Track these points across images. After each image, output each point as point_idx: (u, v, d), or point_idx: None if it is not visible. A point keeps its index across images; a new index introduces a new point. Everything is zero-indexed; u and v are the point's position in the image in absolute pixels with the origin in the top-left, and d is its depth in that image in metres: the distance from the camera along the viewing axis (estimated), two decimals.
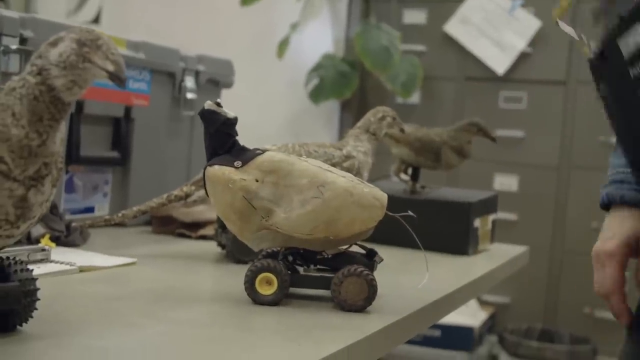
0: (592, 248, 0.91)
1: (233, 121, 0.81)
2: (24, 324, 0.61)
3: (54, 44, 0.57)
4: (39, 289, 0.61)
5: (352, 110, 3.07)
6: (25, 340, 0.59)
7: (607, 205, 0.92)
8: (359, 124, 1.10)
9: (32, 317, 0.61)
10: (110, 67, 0.56)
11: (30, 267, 0.61)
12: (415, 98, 2.92)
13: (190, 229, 1.24)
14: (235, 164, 0.79)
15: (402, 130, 1.11)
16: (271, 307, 0.77)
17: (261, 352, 0.61)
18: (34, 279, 0.61)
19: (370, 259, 0.84)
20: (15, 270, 0.59)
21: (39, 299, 0.61)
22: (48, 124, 0.56)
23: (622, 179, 0.91)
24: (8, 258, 0.60)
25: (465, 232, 1.27)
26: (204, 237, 1.22)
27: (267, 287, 0.79)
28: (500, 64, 2.84)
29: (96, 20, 2.21)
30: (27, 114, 0.55)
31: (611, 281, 0.88)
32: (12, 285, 0.58)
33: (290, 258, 0.83)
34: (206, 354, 0.59)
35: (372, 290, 0.78)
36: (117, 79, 0.56)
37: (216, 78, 1.47)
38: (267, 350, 0.61)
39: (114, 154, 1.28)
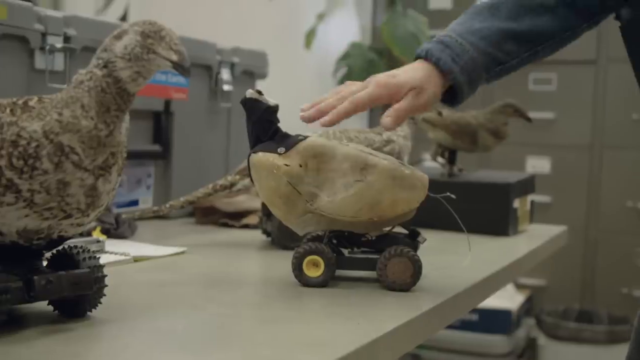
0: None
1: (274, 108, 0.82)
2: (93, 310, 0.64)
3: (119, 37, 0.59)
4: (106, 275, 0.64)
5: None
6: (97, 325, 0.61)
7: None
8: None
9: (100, 303, 0.64)
10: (174, 57, 0.58)
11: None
12: None
13: (233, 218, 1.26)
14: (279, 150, 0.81)
15: (439, 114, 1.12)
16: (320, 289, 0.79)
17: (325, 330, 0.63)
18: (101, 266, 0.63)
19: (413, 240, 0.85)
20: (84, 258, 0.62)
21: (106, 285, 0.64)
22: (115, 115, 0.58)
23: (448, 43, 0.85)
24: (76, 247, 0.62)
25: (505, 213, 1.28)
26: (247, 226, 1.25)
27: (314, 269, 0.81)
28: None
29: (124, 17, 2.24)
30: (95, 105, 0.57)
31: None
32: (84, 272, 0.60)
33: (335, 241, 0.85)
34: (273, 332, 0.61)
35: (417, 267, 0.80)
36: (181, 68, 0.58)
37: (251, 69, 1.49)
38: (330, 328, 0.63)
39: (156, 148, 1.31)
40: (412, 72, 0.85)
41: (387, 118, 0.81)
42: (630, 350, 1.02)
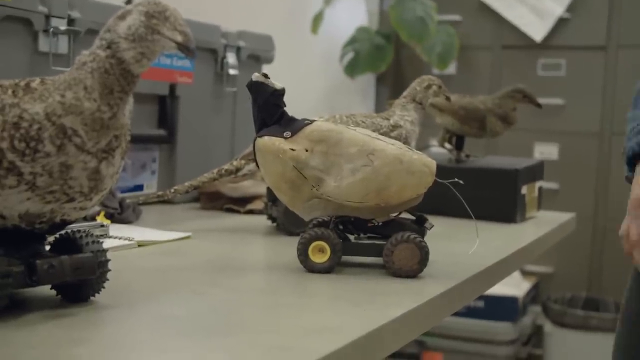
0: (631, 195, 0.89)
1: (281, 92, 0.81)
2: (96, 295, 0.63)
3: (122, 17, 0.57)
4: (110, 260, 0.63)
5: (388, 83, 3.06)
6: (100, 310, 0.60)
7: (637, 156, 0.90)
8: (405, 93, 1.10)
9: (104, 287, 0.63)
10: (179, 38, 0.57)
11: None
12: (451, 69, 2.89)
13: (238, 203, 1.25)
14: (285, 134, 0.80)
15: (448, 99, 1.11)
16: (326, 275, 0.78)
17: (331, 316, 0.62)
18: (105, 251, 0.62)
19: (420, 226, 0.84)
20: (87, 243, 0.61)
21: (110, 270, 0.63)
22: (118, 97, 0.57)
23: None
24: (79, 231, 0.62)
25: (512, 200, 1.27)
26: (251, 212, 1.24)
27: (320, 255, 0.80)
28: (537, 30, 2.79)
29: (129, 1, 2.22)
30: (98, 87, 0.56)
31: None
32: (87, 256, 0.59)
33: (341, 226, 0.84)
34: (278, 318, 0.61)
35: (423, 253, 0.79)
36: (185, 49, 0.57)
37: (257, 53, 1.48)
38: (335, 314, 0.62)
39: (161, 132, 1.30)
40: None
41: None
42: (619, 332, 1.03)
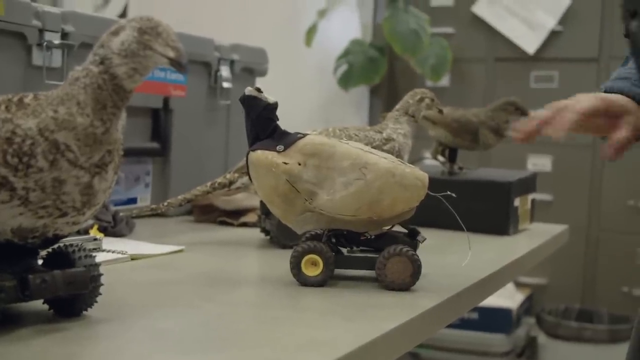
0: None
1: (274, 106, 0.82)
2: (89, 309, 0.63)
3: (116, 33, 0.58)
4: (102, 274, 0.63)
5: (382, 96, 3.07)
6: (93, 324, 0.60)
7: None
8: (398, 106, 1.10)
9: (96, 302, 0.63)
10: (171, 54, 0.57)
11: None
12: (445, 81, 2.91)
13: (231, 216, 1.26)
14: (278, 148, 0.80)
15: (440, 111, 1.11)
16: (319, 288, 0.79)
17: (324, 330, 0.62)
18: (97, 265, 0.63)
19: (413, 239, 0.85)
20: (80, 257, 0.61)
21: (102, 284, 0.63)
22: (111, 112, 0.57)
23: (625, 76, 0.90)
24: (72, 245, 0.62)
25: (505, 212, 1.27)
26: (245, 225, 1.24)
27: (313, 268, 0.80)
28: (530, 43, 2.81)
29: (123, 14, 2.23)
30: (91, 102, 0.57)
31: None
32: (79, 270, 0.59)
33: (334, 240, 0.85)
34: (272, 332, 0.61)
35: (416, 266, 0.79)
36: (177, 65, 0.57)
37: (251, 66, 1.48)
38: (328, 328, 0.63)
39: (154, 145, 1.30)
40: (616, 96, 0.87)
41: (612, 150, 0.82)
42: (630, 351, 1.02)
